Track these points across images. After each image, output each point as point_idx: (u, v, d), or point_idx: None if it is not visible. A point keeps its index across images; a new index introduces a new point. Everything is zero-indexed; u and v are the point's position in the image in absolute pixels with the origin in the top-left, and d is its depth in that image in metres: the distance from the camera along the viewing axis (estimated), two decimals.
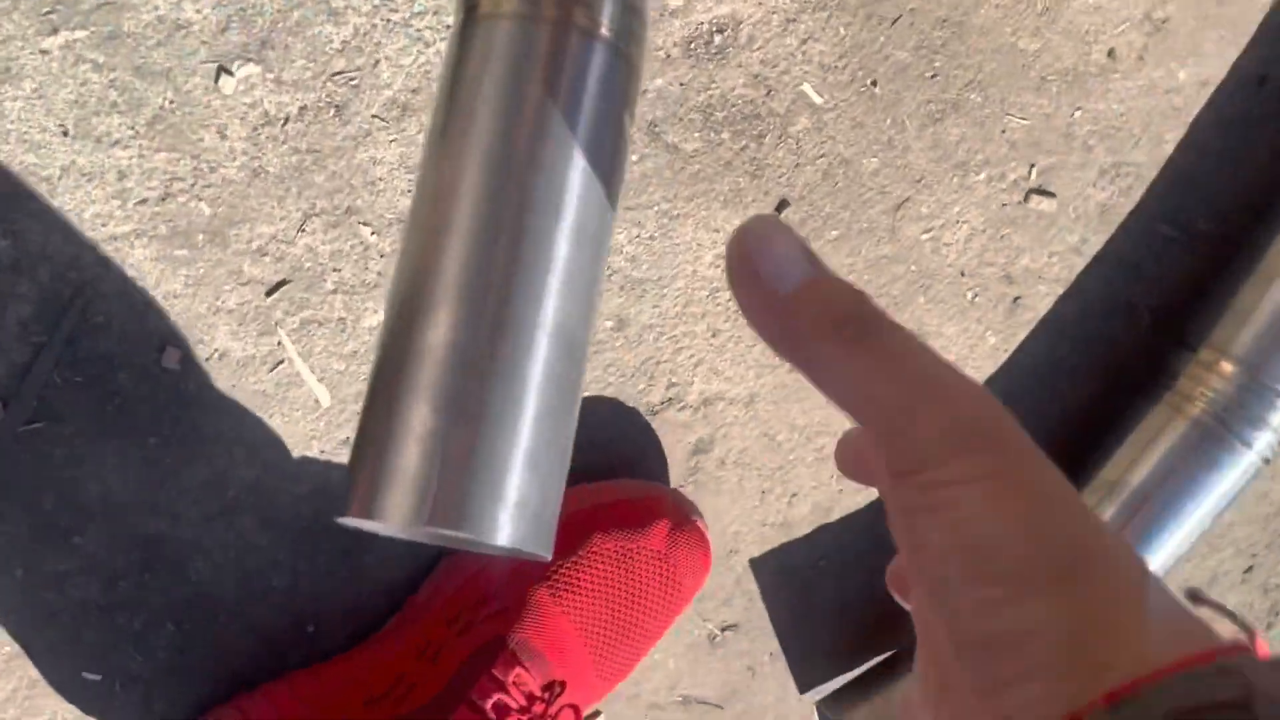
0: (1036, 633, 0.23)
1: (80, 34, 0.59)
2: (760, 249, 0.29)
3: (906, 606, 0.32)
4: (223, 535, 0.72)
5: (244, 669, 0.75)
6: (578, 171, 0.50)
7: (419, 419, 0.46)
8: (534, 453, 0.48)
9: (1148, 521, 0.90)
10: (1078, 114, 0.83)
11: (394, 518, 0.46)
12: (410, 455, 0.46)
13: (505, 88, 0.50)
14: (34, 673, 0.71)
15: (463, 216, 0.48)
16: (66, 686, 0.72)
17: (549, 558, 0.49)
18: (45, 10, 0.57)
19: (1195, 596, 0.27)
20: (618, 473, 0.83)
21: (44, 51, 0.58)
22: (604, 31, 0.51)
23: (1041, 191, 0.85)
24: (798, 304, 0.28)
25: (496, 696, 0.74)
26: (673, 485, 0.85)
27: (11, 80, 0.59)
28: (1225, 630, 0.25)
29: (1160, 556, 0.90)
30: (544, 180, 0.49)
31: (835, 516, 0.90)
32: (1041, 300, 0.89)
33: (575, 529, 0.79)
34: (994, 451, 0.26)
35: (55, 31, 0.58)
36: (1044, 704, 0.22)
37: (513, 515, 0.46)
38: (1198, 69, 0.85)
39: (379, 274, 0.69)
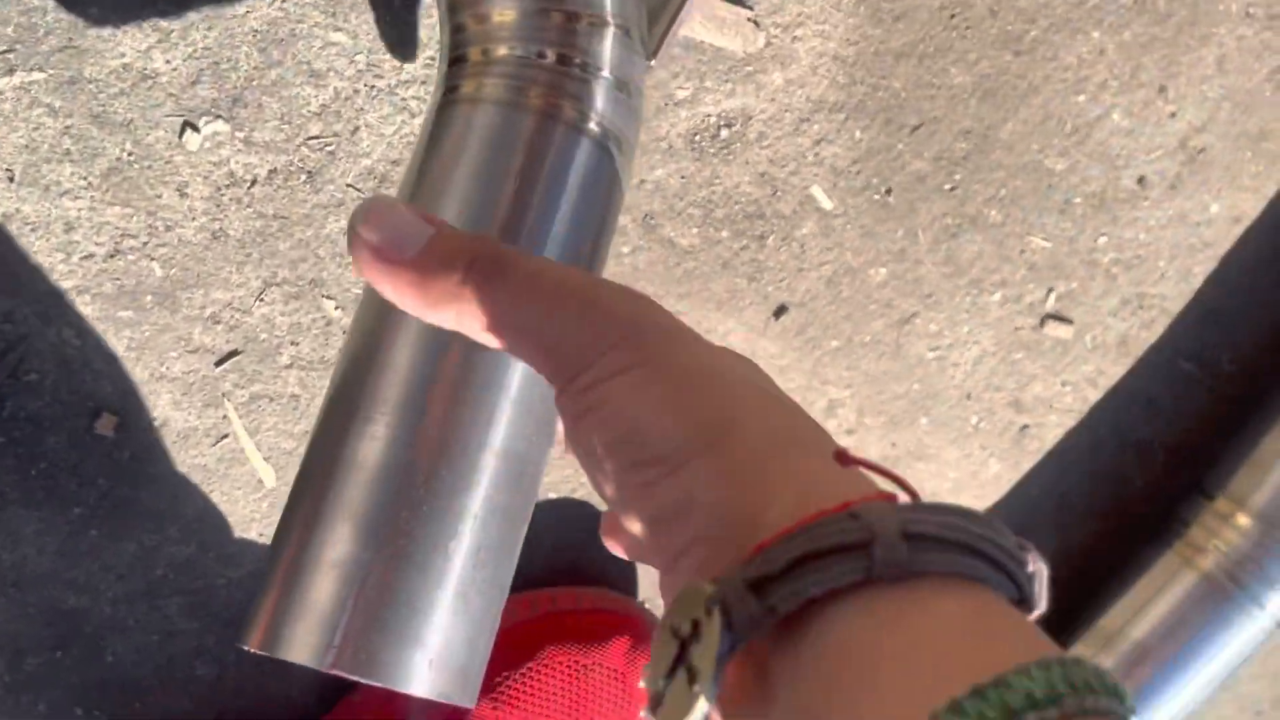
0: (693, 503, 0.24)
1: (38, 76, 0.54)
2: (375, 223, 0.29)
3: (622, 555, 0.32)
4: (146, 617, 0.66)
5: None
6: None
7: (337, 544, 0.41)
8: (464, 592, 0.42)
9: (1148, 680, 0.83)
10: (1102, 240, 0.78)
11: (297, 655, 0.40)
12: (323, 586, 0.40)
13: (480, 175, 0.45)
14: None
15: (412, 325, 0.43)
16: None
17: (472, 706, 0.43)
18: (2, 49, 0.53)
19: (842, 456, 0.26)
20: (580, 578, 0.77)
21: None
22: (592, 126, 0.46)
23: (1058, 317, 0.80)
24: (427, 260, 0.28)
25: None
26: (640, 597, 0.79)
27: None
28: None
29: (1159, 718, 0.83)
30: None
31: None
32: (1051, 431, 0.83)
33: (527, 638, 0.73)
34: (634, 343, 0.26)
35: (11, 72, 0.54)
36: (709, 567, 0.24)
37: (434, 663, 0.41)
38: (1232, 203, 0.80)
39: (339, 351, 0.65)
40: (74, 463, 0.62)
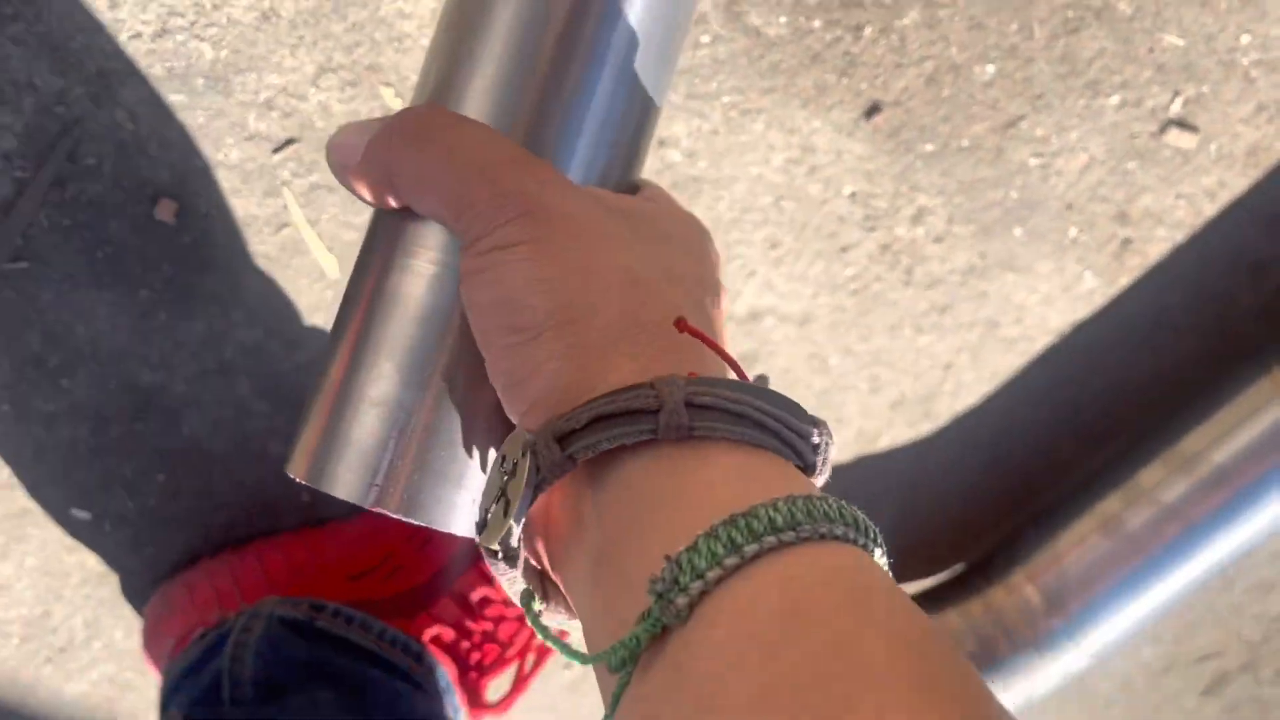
0: (539, 370, 0.29)
1: None
2: (332, 147, 0.35)
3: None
4: (220, 393, 0.68)
5: (235, 525, 0.73)
6: (603, 97, 0.41)
7: (379, 381, 0.40)
8: (504, 429, 0.41)
9: (1226, 503, 0.81)
10: (1245, 38, 0.69)
11: (341, 490, 0.40)
12: (365, 424, 0.40)
13: None
14: (23, 503, 0.69)
15: (475, 106, 0.40)
16: (55, 520, 0.70)
17: (514, 545, 0.43)
18: None
19: (680, 324, 0.29)
20: None
21: None
22: None
23: (1182, 124, 0.72)
24: (380, 137, 0.33)
25: (483, 591, 0.71)
26: None
27: None
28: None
29: (1232, 542, 0.82)
30: (580, 54, 0.40)
31: (881, 447, 0.84)
32: (1156, 245, 0.78)
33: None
34: (527, 221, 0.30)
35: None
36: (545, 428, 0.28)
37: (476, 502, 0.41)
38: None
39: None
40: (137, 247, 0.62)
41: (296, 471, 0.41)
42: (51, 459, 0.68)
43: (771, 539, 0.23)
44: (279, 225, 0.63)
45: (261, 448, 0.71)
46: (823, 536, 0.24)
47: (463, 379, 0.39)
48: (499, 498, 0.29)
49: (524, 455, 0.28)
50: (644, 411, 0.26)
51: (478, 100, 0.38)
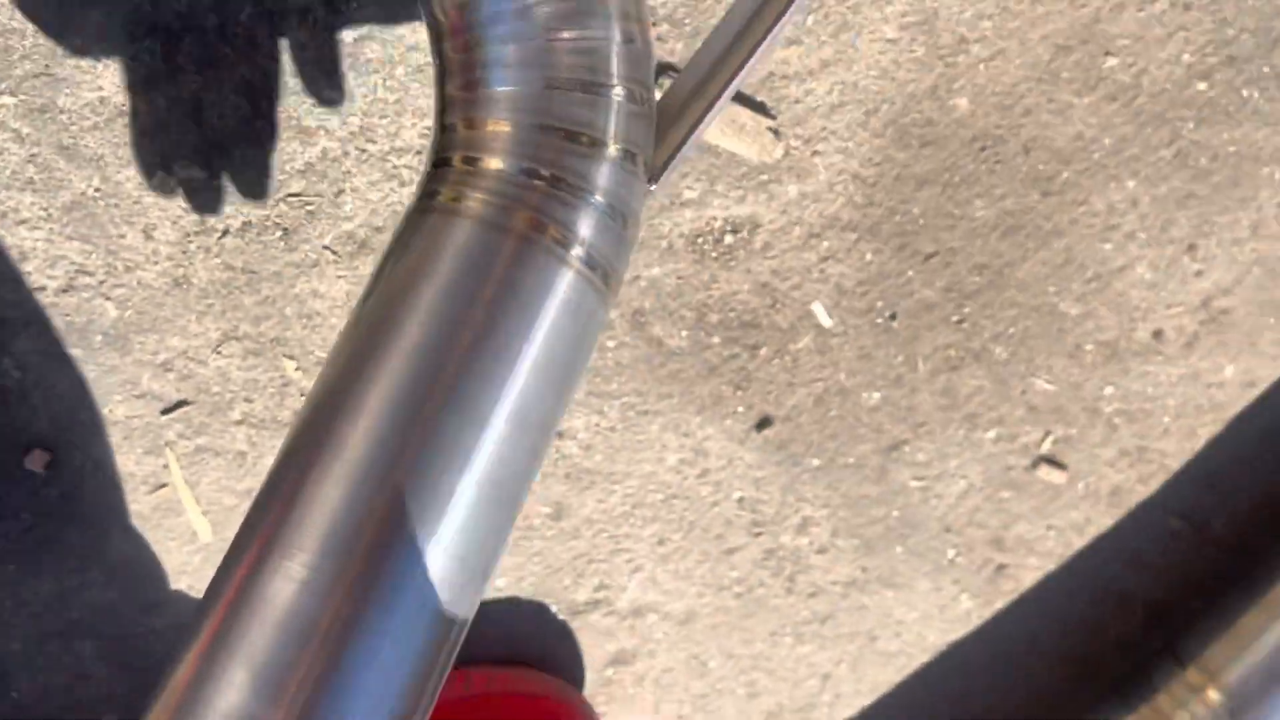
0: None
1: (8, 100, 0.51)
2: None
3: None
4: (57, 658, 0.63)
5: None
6: (502, 419, 0.41)
7: (230, 688, 0.38)
8: None
9: None
10: (1109, 390, 0.75)
11: None
12: None
13: (446, 297, 0.42)
14: None
15: (350, 454, 0.40)
16: None
17: None
18: None
19: None
20: (524, 665, 0.74)
21: None
22: (576, 255, 0.43)
23: (1053, 462, 0.76)
24: None
25: None
26: (583, 692, 0.76)
27: None
28: None
29: None
30: (457, 427, 0.41)
31: None
32: (1029, 573, 0.80)
33: (464, 715, 0.70)
34: None
35: None
36: None
37: None
38: (1248, 368, 0.77)
39: (294, 412, 0.61)
40: None
41: None
42: None
43: None
44: (156, 484, 0.61)
45: (94, 717, 0.65)
46: None
47: (329, 695, 0.37)
48: None
49: None
50: None
51: (370, 415, 0.39)
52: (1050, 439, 0.75)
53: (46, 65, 0.51)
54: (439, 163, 0.44)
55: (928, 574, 0.78)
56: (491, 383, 0.41)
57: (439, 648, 0.40)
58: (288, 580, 0.38)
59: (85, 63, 0.51)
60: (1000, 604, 0.81)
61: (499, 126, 0.43)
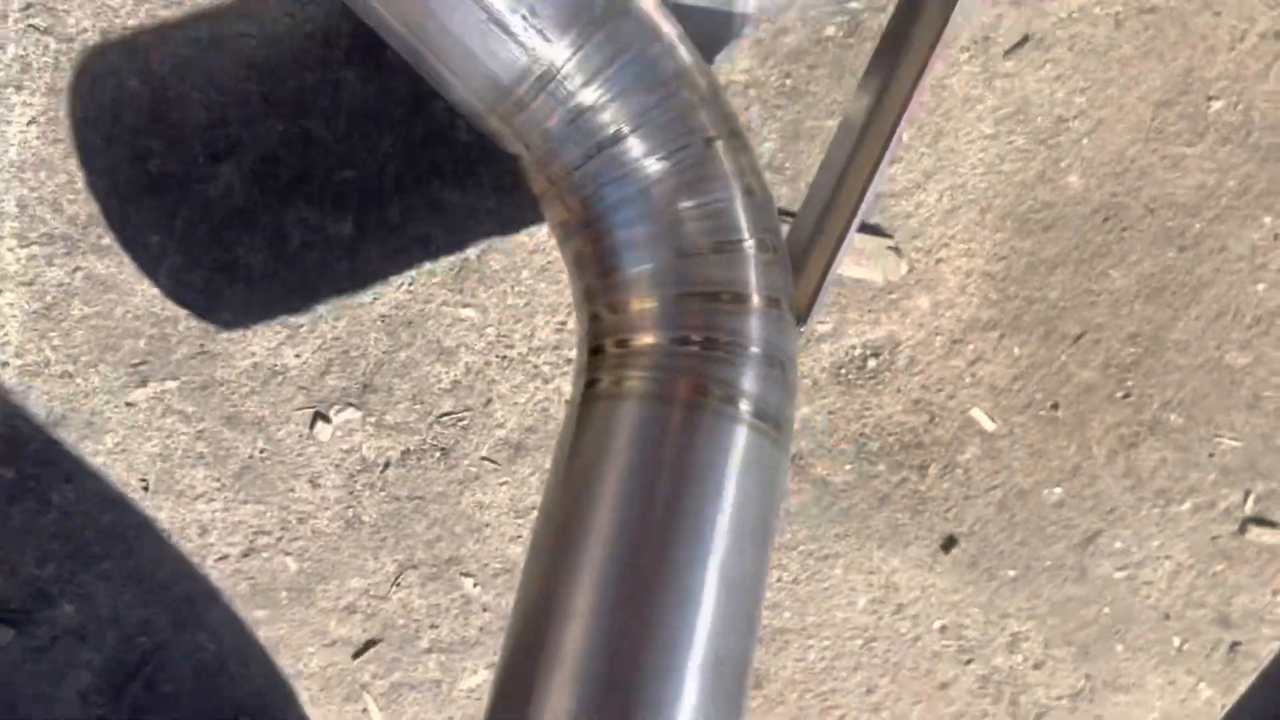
0: None
1: (170, 384, 0.53)
2: None
3: None
4: None
5: None
6: (713, 587, 0.40)
7: None
8: None
9: None
10: None
11: None
12: None
13: (629, 480, 0.41)
14: None
15: (569, 654, 0.39)
16: None
17: None
18: (136, 361, 0.53)
19: None
20: None
21: (130, 404, 0.53)
22: (744, 410, 0.42)
23: (1262, 521, 0.71)
24: None
25: None
26: None
27: (94, 435, 0.53)
28: None
29: None
30: (671, 606, 0.40)
31: None
32: (1265, 645, 0.74)
33: None
34: None
35: (144, 383, 0.53)
36: None
37: None
38: None
39: (480, 629, 0.61)
40: None
41: None
42: None
43: None
44: None
45: None
46: None
47: None
48: None
49: None
50: None
51: (582, 620, 0.38)
52: (1252, 498, 0.71)
53: (201, 345, 0.53)
54: (594, 351, 0.44)
55: (1156, 668, 0.72)
56: (694, 553, 0.40)
57: None
58: None
59: (236, 334, 0.53)
60: (1243, 686, 0.74)
61: (644, 304, 0.43)
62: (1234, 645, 0.73)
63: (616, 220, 0.43)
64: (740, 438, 0.42)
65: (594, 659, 0.38)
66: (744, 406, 0.42)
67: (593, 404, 0.43)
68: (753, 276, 0.43)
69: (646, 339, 0.43)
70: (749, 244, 0.43)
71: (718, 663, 0.39)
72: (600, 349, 0.44)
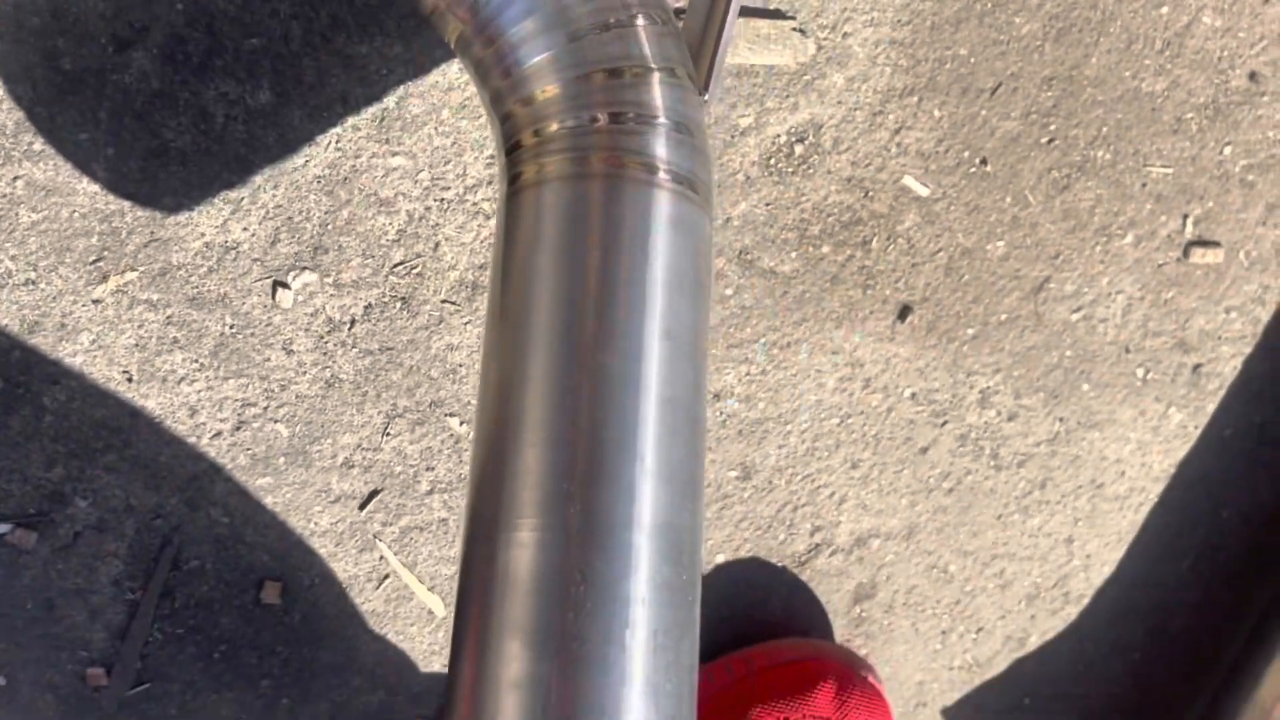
0: None
1: (130, 276, 0.56)
2: None
3: None
4: None
5: None
6: (655, 338, 0.43)
7: (511, 662, 0.39)
8: (651, 681, 0.40)
9: None
10: (1228, 150, 0.72)
11: None
12: (508, 709, 0.39)
13: (562, 256, 0.44)
14: None
15: (534, 418, 0.42)
16: None
17: None
18: (93, 259, 0.55)
19: None
20: (773, 634, 0.74)
21: (96, 301, 0.56)
22: (662, 176, 0.45)
23: (1203, 242, 0.74)
24: None
25: None
26: (837, 640, 0.75)
27: (69, 336, 0.56)
28: None
29: None
30: (619, 359, 0.43)
31: (1032, 646, 0.79)
32: (1227, 363, 0.77)
33: (731, 703, 0.70)
34: None
35: (105, 278, 0.56)
36: None
37: None
38: None
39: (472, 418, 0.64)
40: (250, 637, 0.63)
41: None
42: None
43: None
44: (379, 578, 0.64)
45: None
46: None
47: (594, 635, 0.38)
48: None
49: None
50: None
51: (539, 385, 0.41)
52: (1190, 221, 0.73)
53: (151, 233, 0.55)
54: (511, 149, 0.47)
55: (1125, 401, 0.75)
56: (633, 309, 0.43)
57: (678, 561, 0.41)
58: (521, 547, 0.40)
59: (182, 217, 0.55)
60: (1211, 406, 0.78)
61: (548, 92, 0.45)
62: (1196, 367, 0.76)
63: (506, 18, 0.45)
64: (662, 201, 0.44)
65: (553, 413, 0.41)
66: (660, 172, 0.44)
67: (517, 197, 0.45)
68: (647, 49, 0.45)
69: (556, 124, 0.45)
70: (639, 19, 0.45)
71: (671, 401, 0.42)
72: (518, 144, 0.46)
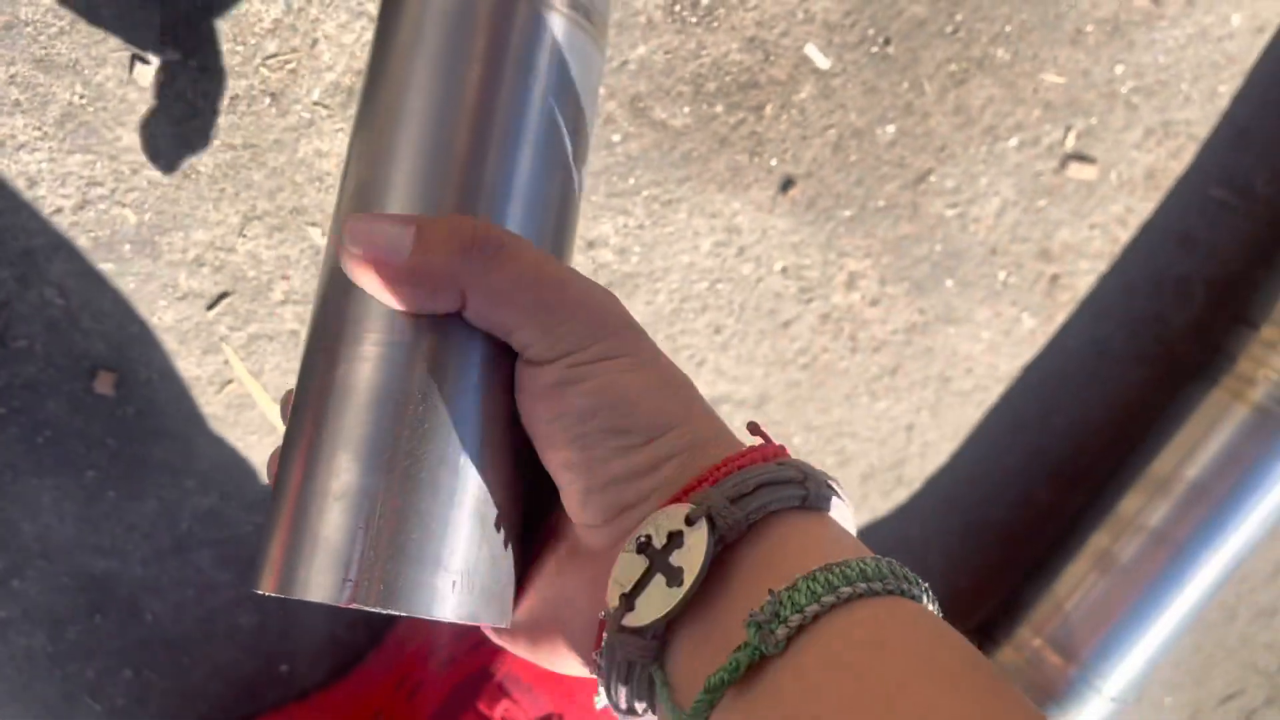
0: (664, 462, 0.31)
1: None
2: (361, 240, 0.33)
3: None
4: (178, 572, 0.65)
5: (213, 713, 0.69)
6: (529, 160, 0.42)
7: (339, 473, 0.39)
8: (482, 502, 0.40)
9: (1208, 518, 0.81)
10: (1119, 69, 0.73)
11: (313, 594, 0.38)
12: (330, 519, 0.38)
13: (440, 64, 0.42)
14: None
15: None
16: None
17: (505, 625, 0.41)
18: None
19: (754, 428, 0.34)
20: None
21: None
22: (557, 1, 0.43)
23: (1081, 157, 0.75)
24: (420, 261, 0.33)
25: (502, 708, 0.68)
26: None
27: None
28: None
29: (1223, 556, 0.81)
30: (490, 178, 0.41)
31: (860, 523, 0.83)
32: (1082, 278, 0.80)
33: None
34: (625, 337, 0.32)
35: None
36: (717, 494, 0.29)
37: (457, 584, 0.39)
38: (1253, 12, 0.75)
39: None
40: (78, 426, 0.61)
41: (265, 585, 0.39)
42: (8, 672, 0.64)
43: (862, 586, 0.27)
44: (222, 383, 0.62)
45: (230, 623, 0.67)
46: (902, 592, 0.28)
47: (430, 455, 0.38)
48: (649, 574, 0.30)
49: (691, 524, 0.29)
50: (795, 480, 0.30)
51: (401, 194, 0.39)
52: (1073, 134, 0.74)
53: None
54: None
55: (984, 301, 0.78)
56: (510, 129, 0.41)
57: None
58: (363, 361, 0.39)
59: None
60: (1061, 316, 0.81)
61: None
62: (1054, 278, 0.79)
63: None
64: (555, 23, 0.42)
65: (422, 186, 0.39)
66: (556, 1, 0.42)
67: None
68: None
69: None
70: None
71: (544, 204, 0.40)
72: None
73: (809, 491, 0.30)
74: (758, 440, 0.34)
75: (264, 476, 0.65)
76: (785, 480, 0.30)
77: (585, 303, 0.33)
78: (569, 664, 0.36)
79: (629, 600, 0.30)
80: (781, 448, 0.33)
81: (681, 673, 0.30)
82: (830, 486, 0.32)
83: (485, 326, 0.34)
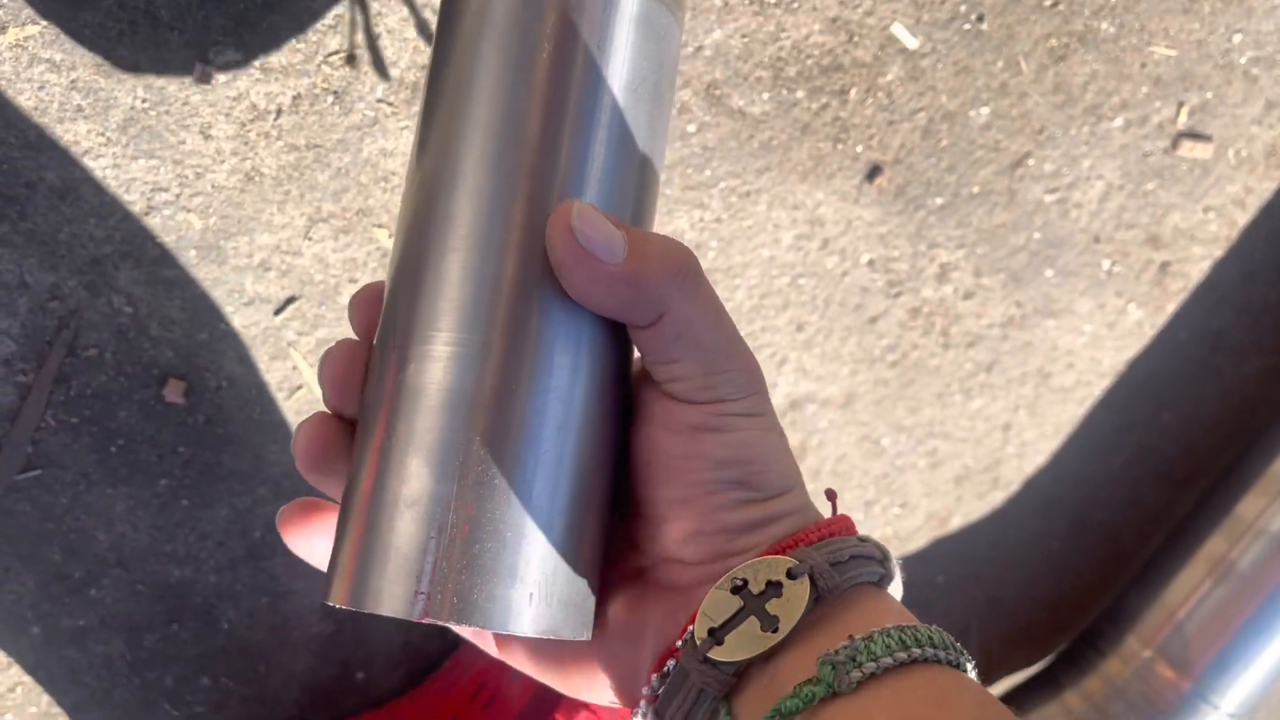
0: (775, 520, 0.33)
1: (32, 30, 0.50)
2: (586, 230, 0.33)
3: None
4: (252, 580, 0.65)
5: None
6: (602, 146, 0.39)
7: (410, 479, 0.36)
8: (560, 511, 0.38)
9: None
10: (1237, 38, 0.68)
11: (385, 607, 0.36)
12: (401, 528, 0.36)
13: (508, 47, 0.39)
14: None
15: (462, 223, 0.38)
16: None
17: (587, 638, 0.39)
18: None
19: (831, 495, 0.36)
20: None
21: None
22: None
23: (1194, 135, 0.70)
24: (644, 260, 0.33)
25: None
26: None
27: None
28: None
29: None
30: (564, 166, 0.39)
31: (954, 527, 0.78)
32: (1195, 265, 0.74)
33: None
34: (765, 396, 0.34)
35: (3, 30, 0.50)
36: (819, 555, 0.32)
37: (534, 596, 0.37)
38: None
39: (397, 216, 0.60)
40: (150, 434, 0.60)
41: (336, 598, 0.37)
42: (88, 680, 0.64)
43: (930, 651, 0.30)
44: (291, 388, 0.61)
45: (305, 630, 0.66)
46: (958, 664, 0.31)
47: (504, 460, 0.36)
48: (741, 615, 0.32)
49: (793, 578, 0.32)
50: (874, 559, 0.33)
51: (471, 182, 0.36)
52: (1185, 110, 0.69)
53: None
54: None
55: (1086, 292, 0.73)
56: (582, 115, 0.38)
57: (603, 378, 0.38)
58: (433, 361, 0.37)
59: None
60: (1172, 306, 0.75)
61: None
62: (1164, 265, 0.74)
63: None
64: (626, 2, 0.39)
65: (487, 221, 0.37)
66: None
67: None
68: None
69: None
70: None
71: (621, 190, 0.38)
72: None
73: (886, 571, 0.33)
74: (830, 504, 0.37)
75: None
76: (870, 557, 0.33)
77: (746, 355, 0.34)
78: (589, 686, 0.36)
79: (717, 635, 0.32)
80: (850, 521, 0.36)
81: (748, 709, 0.32)
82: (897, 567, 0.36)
83: (646, 350, 0.34)
